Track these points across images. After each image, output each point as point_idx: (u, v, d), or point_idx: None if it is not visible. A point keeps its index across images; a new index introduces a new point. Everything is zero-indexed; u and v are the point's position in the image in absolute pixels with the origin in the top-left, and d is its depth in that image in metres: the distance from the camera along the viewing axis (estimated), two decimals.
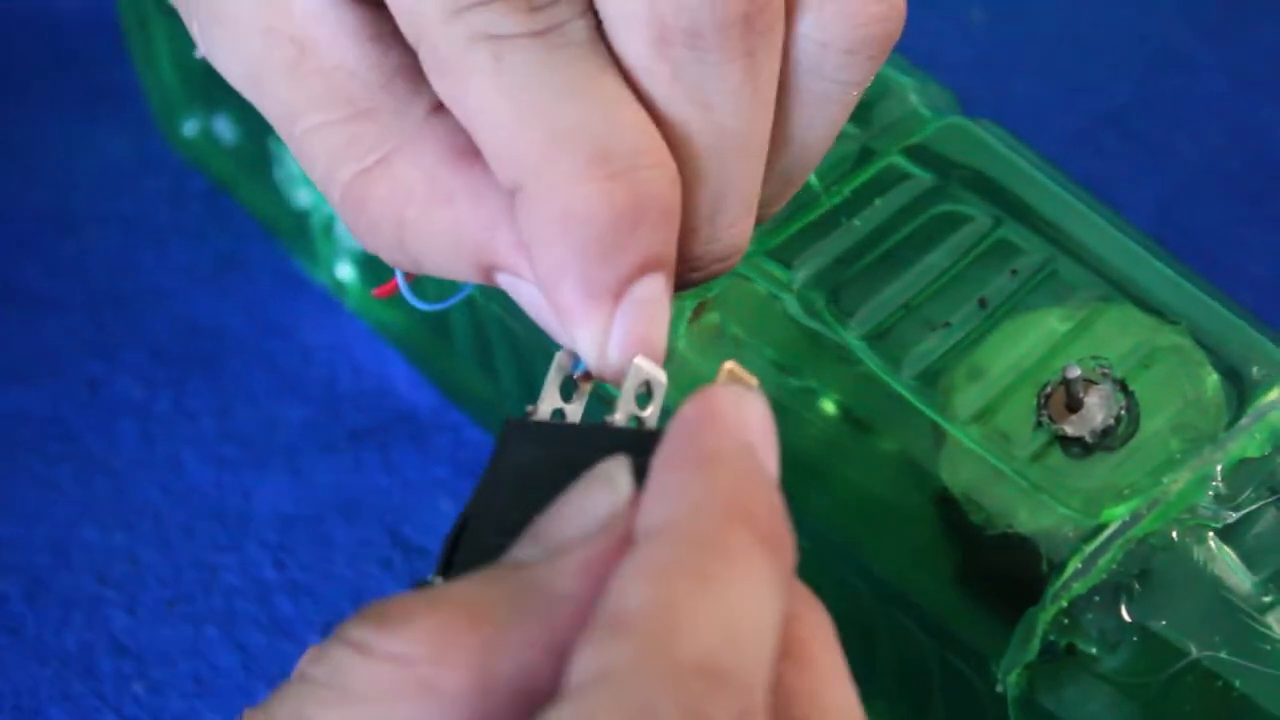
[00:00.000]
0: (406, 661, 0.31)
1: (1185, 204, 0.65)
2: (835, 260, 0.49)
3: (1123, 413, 0.45)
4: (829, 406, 0.48)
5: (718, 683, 0.30)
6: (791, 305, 0.48)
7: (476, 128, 0.37)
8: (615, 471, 0.35)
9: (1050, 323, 0.47)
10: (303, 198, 0.61)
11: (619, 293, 0.37)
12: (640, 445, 0.35)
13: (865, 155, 0.51)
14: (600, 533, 0.33)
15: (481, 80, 0.36)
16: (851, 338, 0.48)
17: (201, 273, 0.65)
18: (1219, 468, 0.44)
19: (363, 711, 0.31)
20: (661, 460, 0.34)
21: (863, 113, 0.52)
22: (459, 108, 0.37)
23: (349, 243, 0.61)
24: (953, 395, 0.46)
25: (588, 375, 0.38)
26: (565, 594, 0.33)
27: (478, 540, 0.36)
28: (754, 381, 0.37)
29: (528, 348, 0.55)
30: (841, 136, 0.51)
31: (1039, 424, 0.45)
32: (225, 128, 0.64)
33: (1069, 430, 0.45)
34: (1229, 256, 0.63)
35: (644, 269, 0.37)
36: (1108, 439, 0.45)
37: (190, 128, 0.65)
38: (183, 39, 0.62)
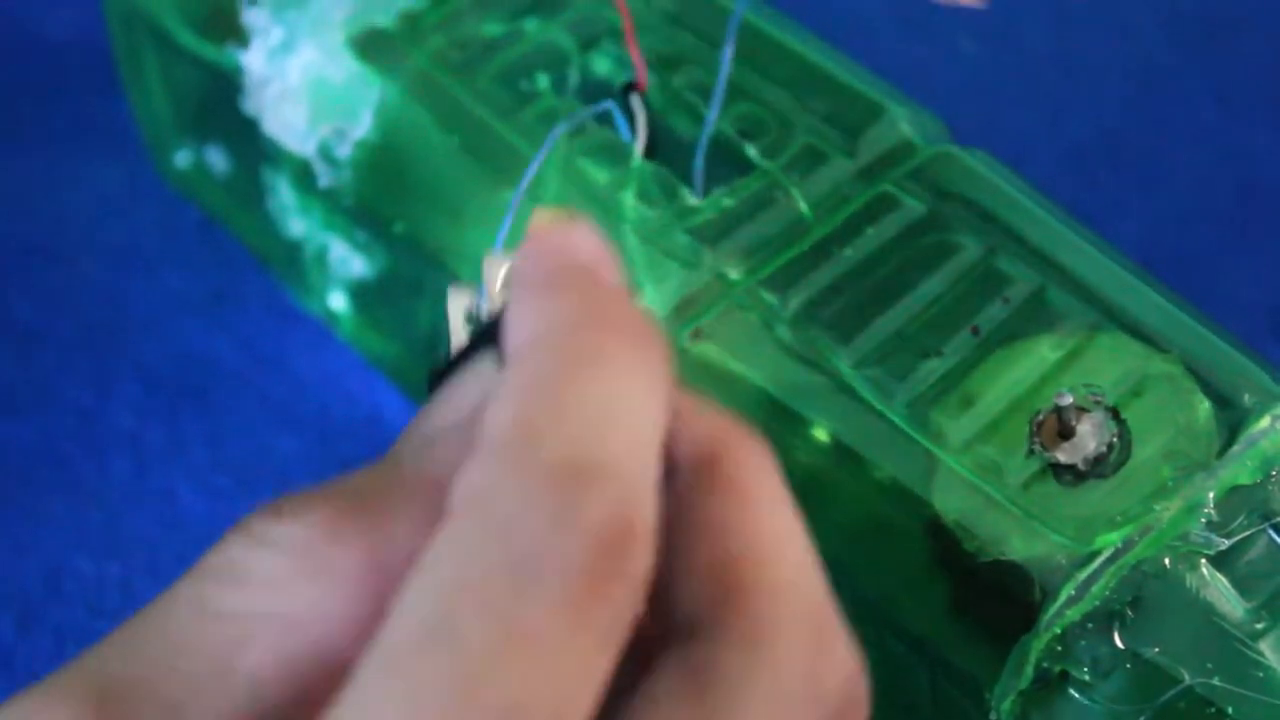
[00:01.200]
0: (302, 547, 0.32)
1: (1175, 230, 0.65)
2: (827, 289, 0.49)
3: (1115, 440, 0.45)
4: (821, 434, 0.48)
5: (587, 477, 0.30)
6: (784, 334, 0.49)
7: None
8: (482, 362, 0.35)
9: (1042, 351, 0.48)
10: (295, 228, 0.61)
11: None
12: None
13: (857, 184, 0.52)
14: (471, 419, 0.33)
15: None
16: (844, 366, 0.48)
17: (193, 303, 0.66)
18: (1211, 495, 0.44)
19: (260, 594, 0.32)
20: (510, 308, 0.33)
21: (854, 142, 0.53)
22: None
23: (341, 272, 0.61)
24: (945, 423, 0.47)
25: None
26: (444, 471, 0.32)
27: None
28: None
29: None
30: (832, 164, 0.52)
31: (1031, 452, 0.46)
32: (217, 158, 0.64)
33: (1061, 458, 0.45)
34: (1219, 283, 0.64)
35: None
36: (1100, 466, 0.45)
37: (182, 158, 0.66)
38: (175, 70, 0.63)
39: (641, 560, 0.30)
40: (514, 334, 0.32)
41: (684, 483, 0.33)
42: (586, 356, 0.31)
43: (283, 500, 0.33)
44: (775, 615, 0.32)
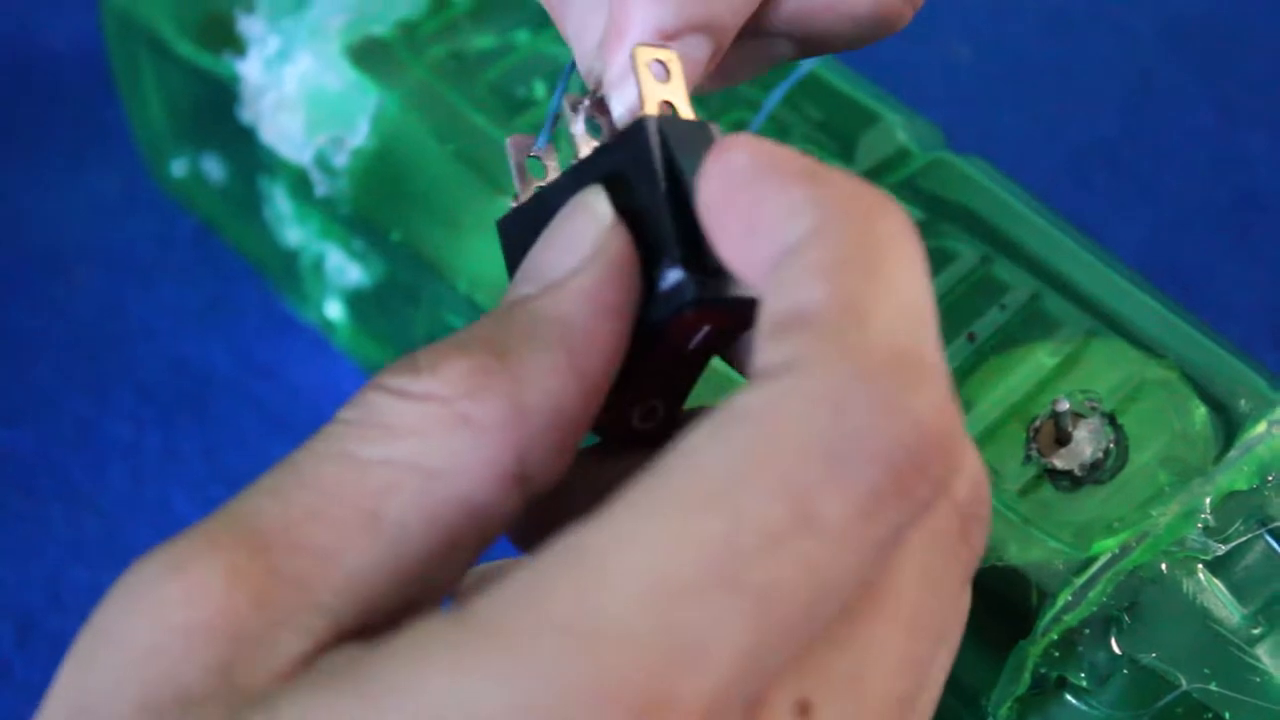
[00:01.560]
0: (442, 399, 0.33)
1: (1173, 237, 0.65)
2: None
3: (1111, 446, 0.45)
4: None
5: (911, 370, 0.31)
6: None
7: None
8: (592, 199, 0.36)
9: (1039, 357, 0.48)
10: (291, 237, 0.61)
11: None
12: (614, 161, 0.37)
13: None
14: (592, 259, 0.35)
15: None
16: None
17: (190, 312, 0.66)
18: (1207, 500, 0.44)
19: (404, 444, 0.33)
20: (759, 191, 0.33)
21: (849, 148, 0.53)
22: None
23: (338, 281, 0.61)
24: None
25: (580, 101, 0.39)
26: (573, 321, 0.34)
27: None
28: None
29: None
30: None
31: (1028, 458, 0.46)
32: (214, 167, 0.64)
33: (1058, 464, 0.45)
34: (1216, 290, 0.64)
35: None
36: (1097, 472, 0.45)
37: (179, 167, 0.66)
38: (171, 79, 0.63)
39: (949, 470, 0.31)
40: (795, 214, 0.33)
41: None
42: (888, 243, 0.32)
43: (418, 355, 0.34)
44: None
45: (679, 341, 0.36)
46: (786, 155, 0.34)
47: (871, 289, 0.31)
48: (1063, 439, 0.45)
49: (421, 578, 0.33)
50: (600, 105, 0.39)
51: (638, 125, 0.36)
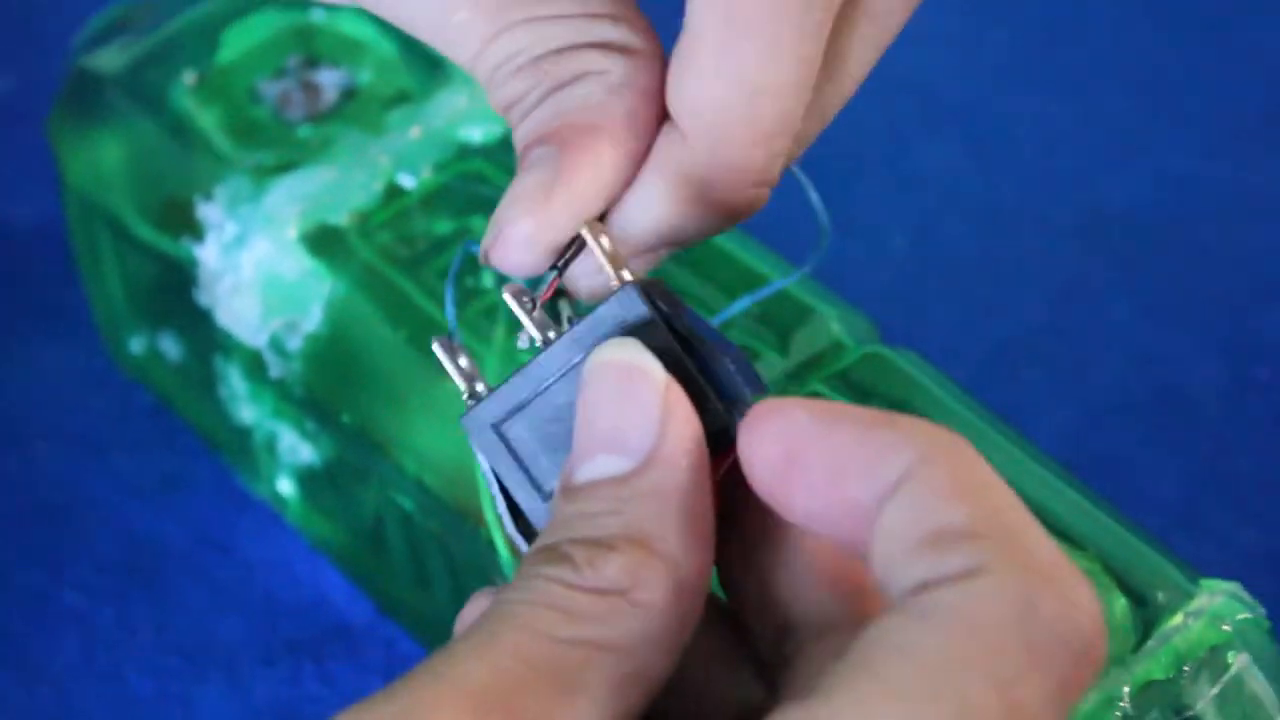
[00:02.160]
0: (619, 590, 0.35)
1: (1094, 428, 0.66)
2: None
3: None
4: None
5: (1071, 571, 0.34)
6: None
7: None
8: (638, 358, 0.38)
9: None
10: (245, 415, 0.61)
11: None
12: (608, 328, 0.38)
13: (789, 383, 0.52)
14: (668, 419, 0.37)
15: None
16: None
17: (145, 487, 0.66)
18: (1126, 689, 0.45)
19: (592, 629, 0.35)
20: (837, 425, 0.36)
21: (785, 341, 0.53)
22: None
23: (290, 459, 0.61)
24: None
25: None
26: (686, 487, 0.37)
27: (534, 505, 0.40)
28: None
29: (462, 564, 0.55)
30: (765, 364, 0.53)
31: None
32: (171, 346, 0.64)
33: None
34: (1135, 480, 0.64)
35: None
36: None
37: (137, 345, 0.66)
38: (131, 260, 0.63)
39: (1105, 654, 0.34)
40: (881, 451, 0.35)
41: None
42: (984, 466, 0.35)
43: (568, 550, 0.36)
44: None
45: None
46: (839, 405, 0.37)
47: (1010, 507, 0.34)
48: None
49: None
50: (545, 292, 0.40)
51: (629, 292, 0.38)
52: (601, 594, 0.35)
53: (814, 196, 0.47)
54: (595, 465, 0.37)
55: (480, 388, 0.40)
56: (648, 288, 0.39)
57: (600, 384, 0.38)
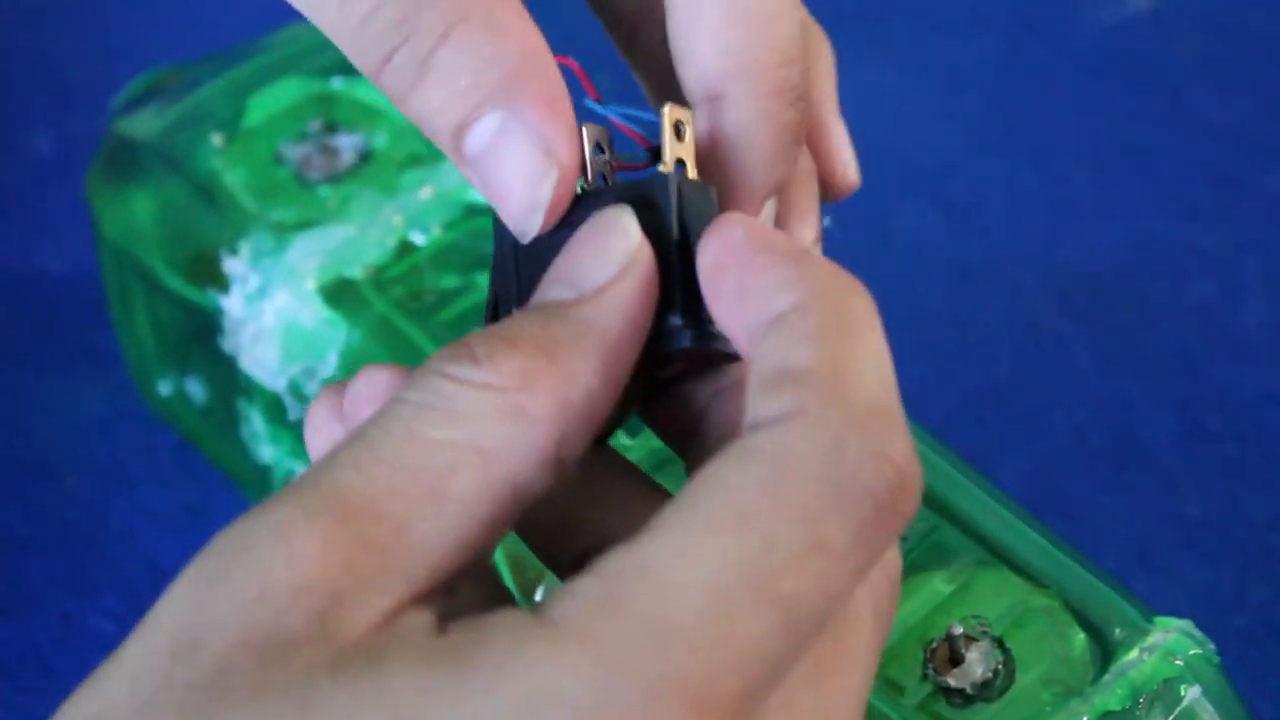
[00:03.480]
0: (501, 390, 0.35)
1: (1056, 473, 0.66)
2: None
3: (1000, 667, 0.46)
4: None
5: (888, 421, 0.34)
6: None
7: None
8: (625, 219, 0.38)
9: (935, 584, 0.48)
10: (265, 454, 0.61)
11: None
12: (633, 200, 0.38)
13: None
14: (624, 273, 0.37)
15: None
16: None
17: (170, 518, 0.66)
18: (1085, 719, 0.45)
19: (466, 428, 0.34)
20: (753, 263, 0.36)
21: None
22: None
23: None
24: None
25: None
26: (610, 329, 0.36)
27: (509, 311, 0.39)
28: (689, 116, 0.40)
29: None
30: None
31: (925, 676, 0.46)
32: (196, 389, 0.65)
33: (952, 682, 0.46)
34: (1095, 522, 0.64)
35: None
36: (986, 691, 0.46)
37: (164, 387, 0.66)
38: (160, 308, 0.64)
39: (915, 508, 0.34)
40: (786, 286, 0.35)
41: None
42: (859, 319, 0.35)
43: (474, 345, 0.36)
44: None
45: (661, 367, 0.39)
46: (777, 236, 0.37)
47: (852, 353, 0.35)
48: (956, 660, 0.46)
49: (475, 546, 0.35)
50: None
51: (662, 179, 0.39)
52: (487, 390, 0.35)
53: None
54: (546, 292, 0.37)
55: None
56: (686, 187, 0.39)
57: (585, 230, 0.38)
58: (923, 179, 0.76)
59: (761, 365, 0.35)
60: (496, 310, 0.41)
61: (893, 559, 0.38)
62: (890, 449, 0.34)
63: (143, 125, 0.62)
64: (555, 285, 0.37)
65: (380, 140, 0.61)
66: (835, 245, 0.73)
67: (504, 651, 0.32)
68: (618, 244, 0.37)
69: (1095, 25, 0.83)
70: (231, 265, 0.59)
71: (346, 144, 0.61)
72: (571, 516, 0.39)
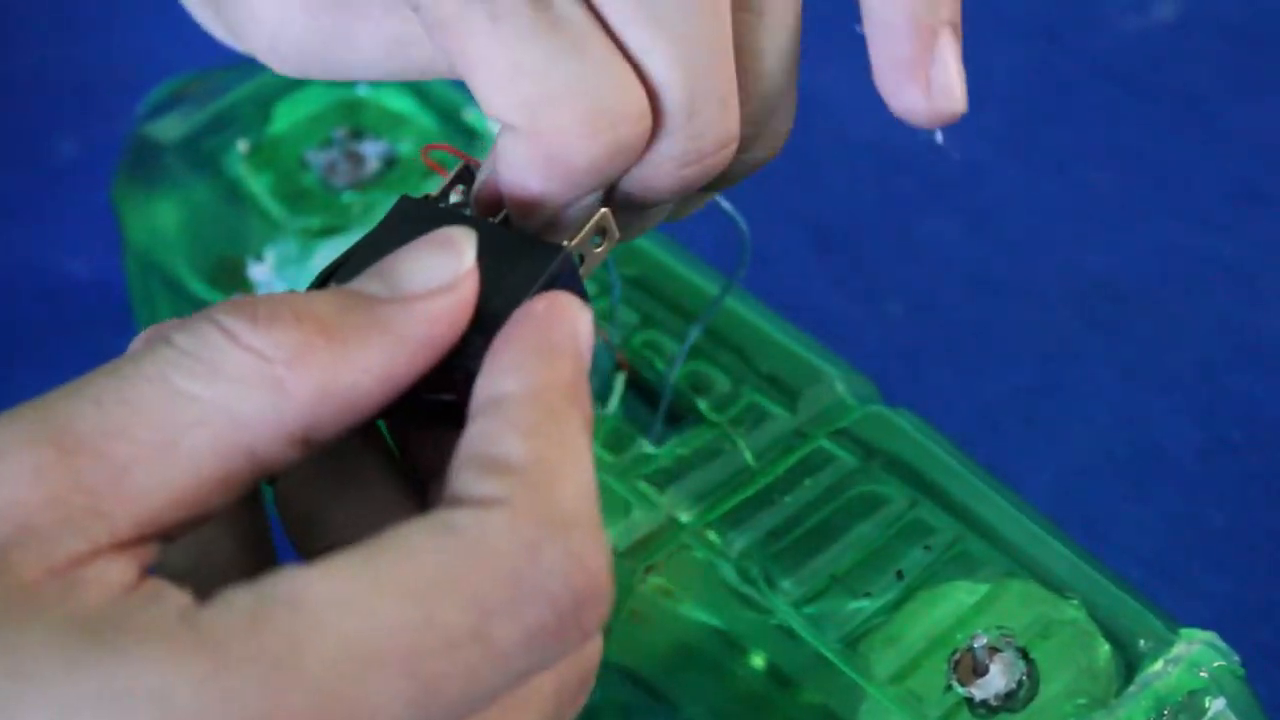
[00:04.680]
0: (265, 359, 0.34)
1: (1079, 484, 0.66)
2: (768, 533, 0.50)
3: (1024, 679, 0.46)
4: (758, 661, 0.48)
5: (589, 529, 0.34)
6: (728, 573, 0.49)
7: (475, 80, 0.38)
8: (462, 240, 0.37)
9: (959, 595, 0.48)
10: None
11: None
12: (503, 245, 0.38)
13: (796, 438, 0.53)
14: (443, 292, 0.36)
15: (479, 38, 0.38)
16: (781, 603, 0.48)
17: None
18: None
19: (220, 389, 0.34)
20: (518, 336, 0.36)
21: (793, 400, 0.53)
22: (459, 61, 0.39)
23: None
24: (872, 658, 0.47)
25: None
26: (407, 335, 0.35)
27: (354, 269, 0.38)
28: (616, 235, 0.41)
29: None
30: (775, 420, 0.53)
31: (949, 687, 0.46)
32: None
33: (976, 693, 0.46)
34: (1118, 533, 0.64)
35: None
36: (1010, 702, 0.46)
37: None
38: (185, 314, 0.63)
39: (602, 617, 0.34)
40: (520, 371, 0.35)
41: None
42: (571, 428, 0.35)
43: (259, 305, 0.34)
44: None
45: (434, 397, 0.37)
46: (564, 329, 0.37)
47: (561, 459, 0.34)
48: (980, 671, 0.46)
49: (196, 507, 0.34)
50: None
51: (559, 249, 0.39)
52: (252, 354, 0.34)
53: (726, 206, 0.48)
54: (364, 282, 0.37)
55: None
56: (571, 273, 0.39)
57: (427, 238, 0.37)
58: (945, 188, 0.76)
59: (474, 442, 0.35)
60: (324, 277, 0.39)
61: (589, 654, 0.37)
62: (587, 558, 0.33)
63: (168, 131, 0.62)
64: (375, 279, 0.36)
65: (405, 147, 0.61)
66: (861, 259, 0.74)
67: (139, 638, 0.31)
68: (448, 262, 0.36)
69: (1119, 34, 0.83)
70: (256, 271, 0.59)
71: (371, 151, 0.61)
72: (319, 509, 0.38)
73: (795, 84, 0.43)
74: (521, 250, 0.39)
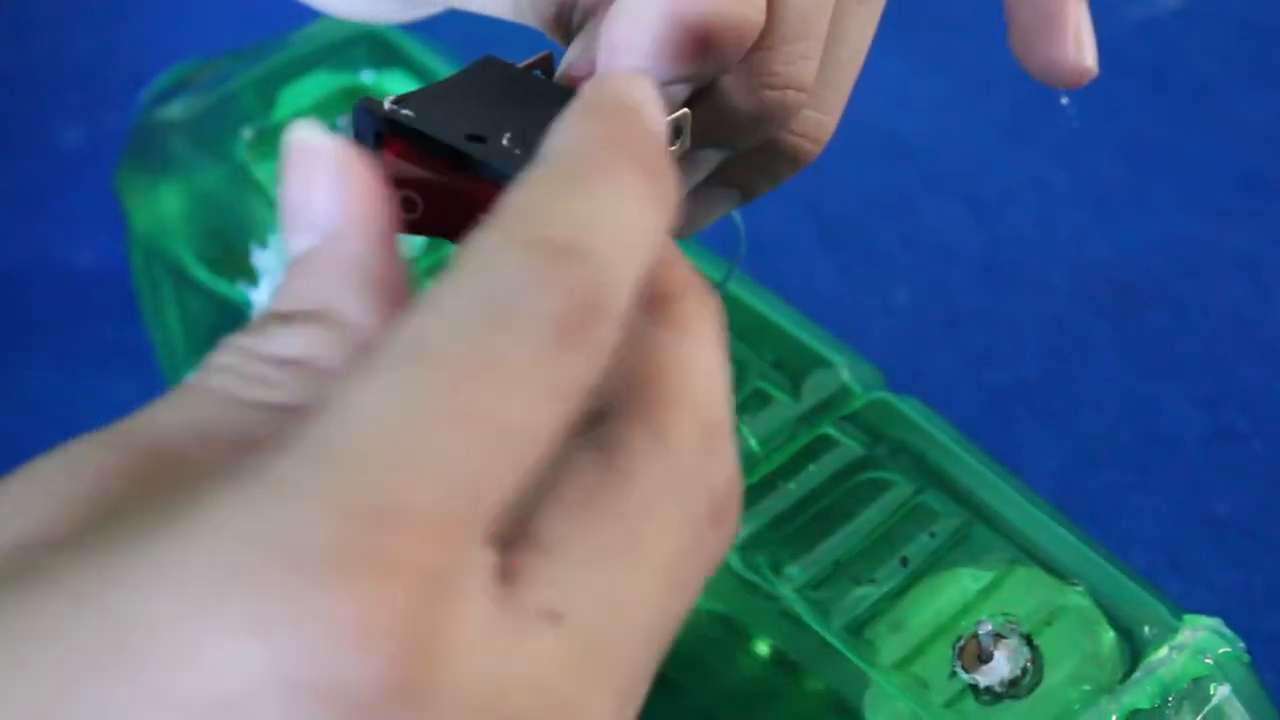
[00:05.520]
0: (295, 359, 0.34)
1: (1084, 472, 0.66)
2: (773, 520, 0.50)
3: (1028, 665, 0.46)
4: (763, 648, 0.48)
5: (571, 255, 0.32)
6: (733, 559, 0.49)
7: None
8: (310, 134, 0.35)
9: (964, 581, 0.48)
10: None
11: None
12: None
13: (800, 425, 0.53)
14: (346, 195, 0.35)
15: None
16: (786, 590, 0.48)
17: None
18: (1114, 717, 0.45)
19: (277, 392, 0.34)
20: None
21: (797, 387, 0.53)
22: None
23: None
24: (877, 644, 0.47)
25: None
26: (365, 258, 0.35)
27: (429, 99, 0.38)
28: (689, 143, 0.40)
29: None
30: (779, 406, 0.53)
31: (954, 673, 0.46)
32: None
33: (980, 680, 0.46)
34: (1123, 521, 0.64)
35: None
36: (1015, 688, 0.46)
37: None
38: (190, 301, 0.64)
39: (606, 334, 0.32)
40: (550, 138, 0.34)
41: (640, 306, 0.34)
42: (598, 169, 0.33)
43: (266, 327, 0.35)
44: (680, 417, 0.33)
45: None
46: (608, 89, 0.35)
47: (560, 196, 0.33)
48: (985, 657, 0.46)
49: None
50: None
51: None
52: (282, 363, 0.34)
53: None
54: (296, 241, 0.36)
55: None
56: None
57: (287, 163, 0.36)
58: (952, 177, 0.76)
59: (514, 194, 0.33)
60: (393, 106, 0.38)
61: (696, 505, 0.34)
62: (562, 276, 0.32)
63: (173, 119, 0.62)
64: (299, 234, 0.36)
65: None
66: (867, 247, 0.74)
67: (201, 504, 0.29)
68: (322, 165, 0.35)
69: (1124, 23, 0.83)
70: (261, 258, 0.59)
71: None
72: None
73: (851, 87, 0.44)
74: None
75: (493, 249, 0.32)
